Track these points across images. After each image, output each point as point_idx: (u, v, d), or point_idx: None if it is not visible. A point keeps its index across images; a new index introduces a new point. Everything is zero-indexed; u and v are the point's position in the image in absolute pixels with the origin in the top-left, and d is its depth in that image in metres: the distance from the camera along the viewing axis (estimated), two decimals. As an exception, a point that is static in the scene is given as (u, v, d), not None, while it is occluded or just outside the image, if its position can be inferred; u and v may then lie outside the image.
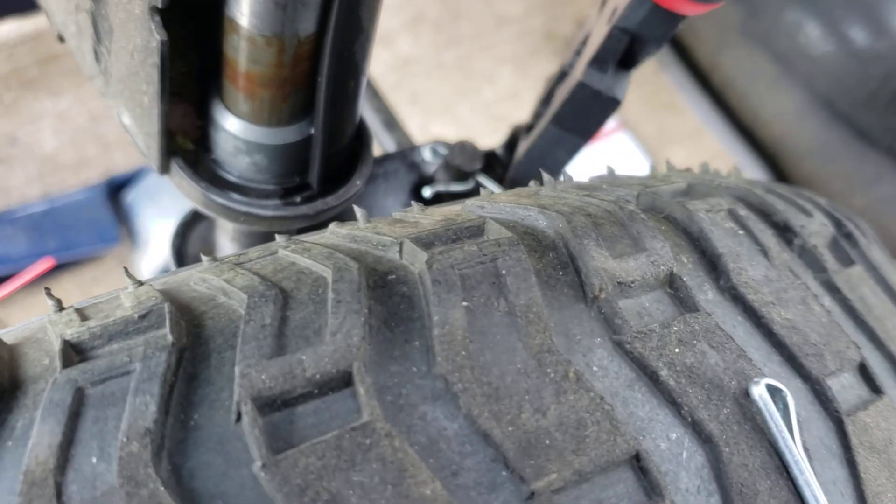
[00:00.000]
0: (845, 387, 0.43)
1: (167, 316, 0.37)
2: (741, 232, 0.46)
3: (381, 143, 1.00)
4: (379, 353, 0.36)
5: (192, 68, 0.60)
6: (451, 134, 1.76)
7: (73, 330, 0.38)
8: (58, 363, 0.37)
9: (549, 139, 0.68)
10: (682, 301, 0.42)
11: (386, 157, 0.84)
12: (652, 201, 0.47)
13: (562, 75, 0.75)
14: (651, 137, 1.76)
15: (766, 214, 0.49)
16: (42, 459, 0.33)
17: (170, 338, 0.36)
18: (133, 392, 0.34)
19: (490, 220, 0.43)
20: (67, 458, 0.33)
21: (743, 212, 0.48)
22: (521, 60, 1.91)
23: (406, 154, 0.82)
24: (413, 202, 0.47)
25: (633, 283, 0.40)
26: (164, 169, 0.58)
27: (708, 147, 1.71)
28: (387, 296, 0.39)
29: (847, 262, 0.50)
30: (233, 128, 0.56)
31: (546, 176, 0.50)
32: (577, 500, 0.35)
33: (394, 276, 0.40)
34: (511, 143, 0.82)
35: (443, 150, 0.83)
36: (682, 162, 1.56)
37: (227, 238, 0.72)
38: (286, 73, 0.53)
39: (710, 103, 1.26)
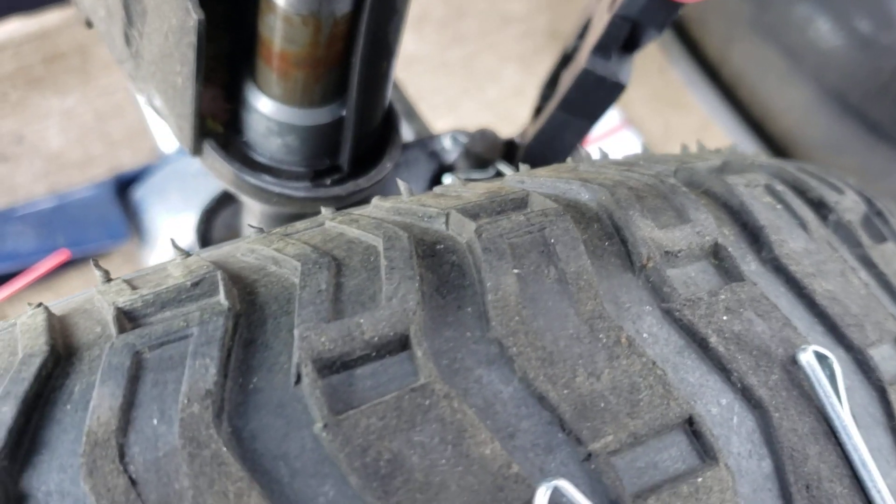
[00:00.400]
0: (885, 358, 0.44)
1: (220, 283, 0.37)
2: (779, 206, 0.47)
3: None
4: (433, 318, 0.36)
5: (221, 51, 0.60)
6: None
7: (125, 298, 0.38)
8: (111, 330, 0.37)
9: (556, 124, 0.69)
10: (727, 271, 0.42)
11: (406, 146, 0.84)
12: (690, 176, 0.48)
13: (565, 59, 0.75)
14: (656, 135, 1.77)
15: (800, 190, 0.50)
16: (104, 421, 0.33)
17: (225, 303, 0.36)
18: (192, 355, 0.34)
19: (533, 193, 0.43)
20: (128, 419, 0.33)
21: (780, 187, 0.48)
22: (525, 59, 1.92)
23: (426, 143, 0.82)
24: (454, 177, 0.47)
25: (679, 252, 0.41)
26: (197, 150, 0.58)
27: (714, 143, 1.71)
28: (437, 264, 0.39)
29: (880, 238, 0.51)
30: (265, 109, 0.57)
31: (583, 151, 0.50)
32: (632, 462, 0.35)
33: (442, 246, 0.40)
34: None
35: (463, 139, 0.83)
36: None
37: (253, 222, 0.72)
38: (321, 53, 0.53)
39: (720, 97, 1.26)
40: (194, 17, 0.50)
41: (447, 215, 0.41)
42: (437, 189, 0.47)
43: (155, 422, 0.33)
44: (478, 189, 0.45)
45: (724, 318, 0.39)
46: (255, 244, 0.41)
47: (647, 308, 0.39)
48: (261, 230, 0.43)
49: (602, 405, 0.35)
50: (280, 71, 0.54)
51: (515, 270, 0.38)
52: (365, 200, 0.63)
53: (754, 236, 0.44)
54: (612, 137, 1.77)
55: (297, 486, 0.32)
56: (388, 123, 0.63)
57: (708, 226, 0.42)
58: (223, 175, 0.58)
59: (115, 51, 0.64)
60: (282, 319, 0.36)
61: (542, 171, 0.47)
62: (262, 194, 0.58)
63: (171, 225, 1.47)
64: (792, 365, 0.40)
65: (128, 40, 0.61)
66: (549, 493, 0.32)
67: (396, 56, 0.58)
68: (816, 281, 0.43)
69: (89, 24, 0.68)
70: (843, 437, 0.38)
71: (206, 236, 0.78)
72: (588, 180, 0.44)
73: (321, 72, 0.55)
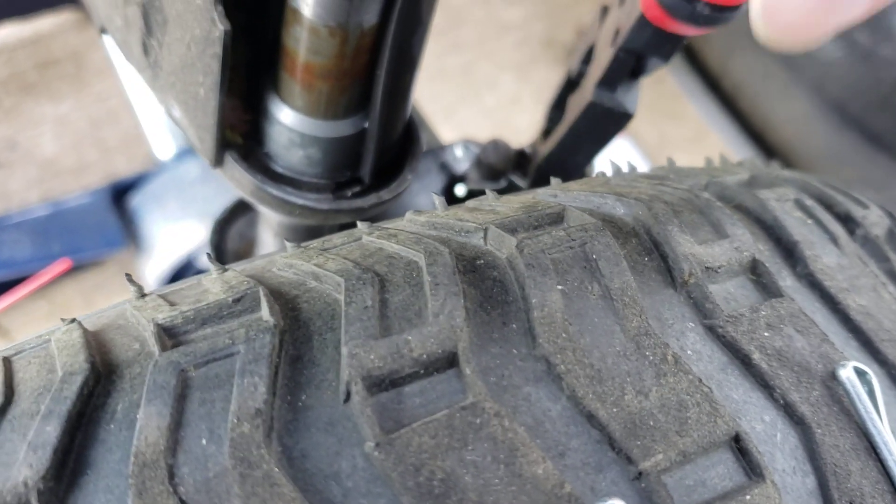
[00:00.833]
0: (919, 373, 0.44)
1: (263, 299, 0.37)
2: (810, 221, 0.47)
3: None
4: (478, 335, 0.36)
5: (240, 61, 0.59)
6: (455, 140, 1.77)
7: (164, 315, 0.37)
8: (151, 347, 0.36)
9: (567, 146, 0.69)
10: (765, 287, 0.42)
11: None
12: (721, 191, 0.48)
13: (570, 84, 0.75)
14: (651, 144, 1.78)
15: (828, 205, 0.50)
16: (152, 441, 0.32)
17: (270, 319, 0.36)
18: (240, 373, 0.34)
19: (569, 208, 0.43)
20: (177, 439, 0.33)
21: (809, 202, 0.48)
22: (522, 67, 1.92)
23: (437, 153, 0.82)
24: (487, 190, 0.47)
25: (719, 268, 0.41)
26: (218, 162, 0.57)
27: (709, 153, 1.72)
28: (478, 280, 0.39)
29: (906, 252, 0.51)
30: (288, 120, 0.56)
31: (614, 164, 0.50)
32: (681, 480, 0.35)
33: (482, 261, 0.40)
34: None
35: (474, 149, 0.83)
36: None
37: (269, 233, 0.72)
38: (347, 64, 0.53)
39: (720, 108, 1.27)
40: (220, 27, 0.50)
41: (485, 230, 0.41)
42: (469, 203, 0.46)
43: (204, 442, 0.32)
44: (512, 203, 0.44)
45: (766, 334, 0.39)
46: (293, 259, 0.41)
47: (689, 325, 0.39)
48: (297, 245, 0.43)
49: (651, 423, 0.35)
50: (304, 82, 0.54)
51: (559, 286, 0.38)
52: (384, 213, 0.63)
53: (788, 251, 0.44)
54: (608, 146, 1.77)
55: (350, 507, 0.32)
56: (409, 135, 0.62)
57: (745, 241, 0.42)
58: (244, 186, 0.58)
59: (131, 60, 0.63)
60: (327, 336, 0.36)
61: (574, 185, 0.47)
62: (283, 206, 0.58)
63: (168, 233, 1.46)
64: (831, 381, 0.40)
65: (146, 50, 0.60)
66: (604, 512, 0.32)
67: (419, 68, 0.58)
68: (850, 296, 0.44)
69: (103, 31, 0.67)
70: (885, 453, 0.38)
71: (219, 247, 0.77)
72: (622, 194, 0.44)
73: (346, 84, 0.54)
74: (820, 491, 0.37)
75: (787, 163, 1.25)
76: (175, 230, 1.44)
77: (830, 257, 0.45)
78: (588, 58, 0.70)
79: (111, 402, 0.35)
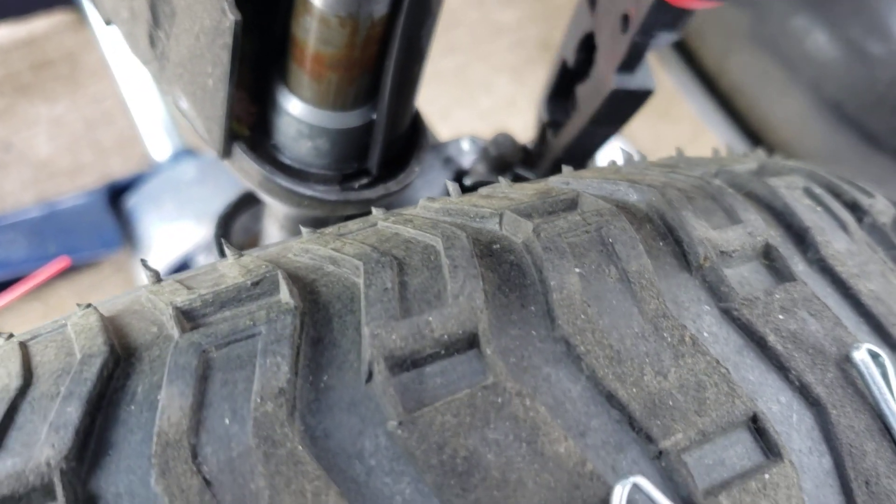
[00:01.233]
0: (929, 357, 0.44)
1: (282, 281, 0.37)
2: (819, 208, 0.47)
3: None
4: (497, 317, 0.36)
5: (247, 53, 0.59)
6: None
7: (183, 298, 0.37)
8: (169, 330, 0.36)
9: (587, 134, 0.70)
10: (779, 271, 0.42)
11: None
12: (732, 179, 0.48)
13: (567, 73, 0.75)
14: (646, 144, 1.78)
15: (836, 193, 0.50)
16: (174, 421, 0.32)
17: (291, 301, 0.36)
18: (262, 353, 0.34)
19: (584, 194, 0.43)
20: (199, 419, 0.33)
21: (817, 190, 0.49)
22: (517, 69, 1.93)
23: (440, 148, 0.82)
24: (500, 178, 0.47)
25: (733, 252, 0.41)
26: (227, 153, 0.57)
27: (705, 154, 1.73)
28: (496, 263, 0.39)
29: (912, 241, 0.51)
30: (296, 111, 0.56)
31: (625, 153, 0.50)
32: (700, 459, 0.35)
33: (498, 246, 0.40)
34: (542, 137, 0.83)
35: (479, 143, 0.83)
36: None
37: (275, 227, 0.72)
38: (356, 54, 0.53)
39: (717, 108, 1.28)
40: (231, 17, 0.50)
41: (501, 215, 0.41)
42: (482, 190, 0.47)
43: (227, 421, 0.32)
44: (526, 190, 0.45)
45: (780, 317, 0.40)
46: (309, 244, 0.41)
47: (705, 308, 0.39)
48: (313, 231, 0.43)
49: (670, 403, 0.35)
50: (314, 73, 0.54)
51: (577, 269, 0.38)
52: (391, 205, 0.63)
53: (800, 237, 0.45)
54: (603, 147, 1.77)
55: (374, 485, 0.32)
56: (415, 127, 0.63)
57: (758, 226, 0.43)
58: (252, 177, 0.58)
59: (137, 52, 0.63)
60: (347, 318, 0.36)
61: (586, 173, 0.48)
62: (291, 197, 0.58)
63: (164, 233, 1.45)
64: (845, 363, 0.40)
65: (152, 42, 0.60)
66: (627, 489, 0.32)
67: (426, 59, 0.58)
68: (861, 281, 0.44)
69: (108, 23, 0.67)
70: (899, 435, 0.39)
71: (224, 241, 0.77)
72: (635, 181, 0.45)
73: (355, 74, 0.54)
74: (836, 471, 0.37)
75: (784, 162, 1.25)
76: (171, 231, 1.44)
77: (840, 243, 0.45)
78: (584, 46, 0.70)
79: (131, 384, 0.35)
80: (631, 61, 0.61)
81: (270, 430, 0.32)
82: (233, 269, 0.39)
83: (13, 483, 0.32)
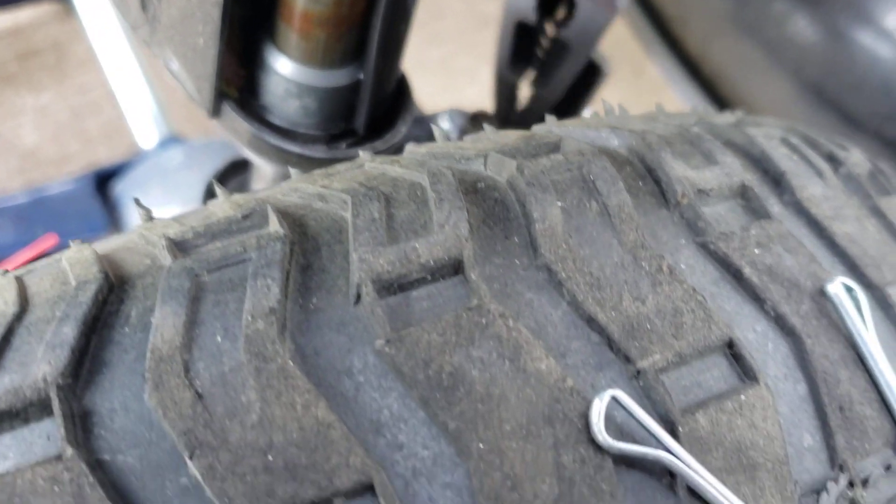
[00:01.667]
0: (902, 298, 0.45)
1: (271, 214, 0.38)
2: (795, 156, 0.48)
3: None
4: (482, 247, 0.37)
5: (237, 17, 0.60)
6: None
7: (175, 230, 0.38)
8: (163, 261, 0.37)
9: (571, 68, 0.73)
10: (755, 210, 0.43)
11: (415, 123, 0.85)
12: (710, 129, 0.49)
13: (525, 31, 0.79)
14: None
15: (813, 144, 0.52)
16: (168, 338, 0.33)
17: (281, 230, 0.37)
18: (252, 276, 0.35)
19: (566, 138, 0.44)
20: (192, 336, 0.33)
21: (794, 140, 0.50)
22: (503, 60, 1.94)
23: (423, 121, 0.83)
24: (485, 125, 0.48)
25: (710, 191, 0.42)
26: (216, 112, 0.58)
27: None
28: (480, 200, 0.40)
29: (886, 192, 0.53)
30: (285, 70, 0.57)
31: (606, 104, 0.51)
32: (677, 380, 0.36)
33: (483, 184, 0.41)
34: (509, 100, 0.86)
35: (459, 119, 0.84)
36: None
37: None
38: (344, 11, 0.54)
39: (701, 93, 1.30)
40: (221, -26, 0.51)
41: (486, 156, 0.42)
42: (466, 137, 0.48)
43: (219, 339, 0.33)
44: (510, 136, 0.46)
45: (756, 251, 0.41)
46: (298, 183, 0.42)
47: (682, 241, 0.41)
48: (301, 172, 0.44)
49: (648, 326, 0.36)
50: (302, 31, 0.55)
51: (559, 203, 0.39)
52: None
53: (776, 181, 0.46)
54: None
55: (362, 400, 0.33)
56: (401, 90, 0.64)
57: (735, 168, 0.44)
58: (241, 136, 0.59)
59: (128, 17, 0.64)
60: (335, 247, 0.37)
61: (569, 122, 0.49)
62: (280, 155, 0.59)
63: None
64: (820, 296, 0.41)
65: (144, 5, 0.61)
66: (606, 402, 0.33)
67: (413, 19, 0.59)
68: (836, 223, 0.45)
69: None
70: (871, 364, 0.40)
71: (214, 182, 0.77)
72: (617, 128, 0.46)
73: (342, 31, 0.55)
74: (811, 397, 0.39)
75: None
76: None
77: (816, 188, 0.46)
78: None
79: (125, 308, 0.36)
80: None
81: (261, 347, 0.33)
82: (224, 206, 0.40)
83: (11, 398, 0.32)
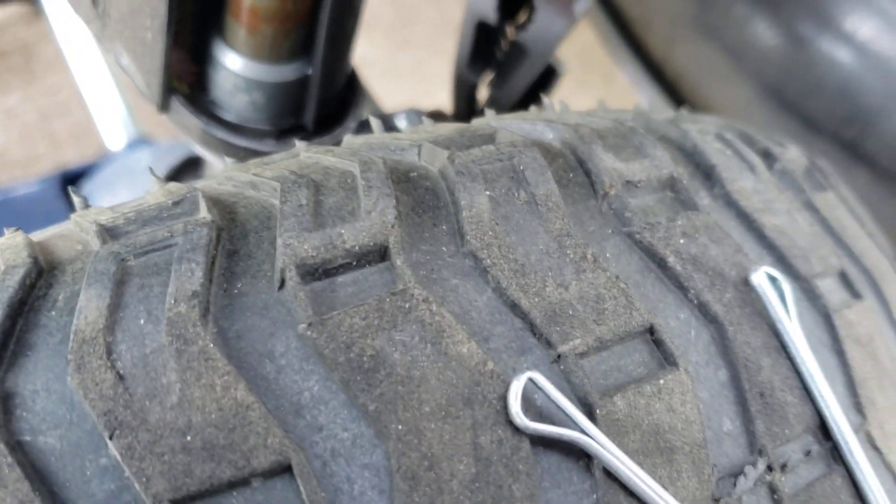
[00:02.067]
0: (830, 290, 0.46)
1: (201, 201, 0.38)
2: (728, 151, 0.49)
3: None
4: (410, 235, 0.38)
5: (187, 14, 0.61)
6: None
7: (107, 217, 0.39)
8: (93, 246, 0.38)
9: (528, 71, 0.73)
10: (683, 202, 0.44)
11: (361, 125, 0.85)
12: (647, 123, 0.50)
13: (485, 31, 0.80)
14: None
15: (748, 141, 0.53)
16: (91, 320, 0.33)
17: (208, 216, 0.37)
18: (177, 261, 0.35)
19: (501, 130, 0.45)
20: (115, 319, 0.34)
21: (729, 135, 0.51)
22: (474, 64, 1.95)
23: (382, 120, 0.84)
24: (424, 118, 0.49)
25: (639, 182, 0.43)
26: (165, 106, 0.58)
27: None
28: (411, 188, 0.40)
29: (821, 188, 0.54)
30: (233, 65, 0.58)
31: (546, 100, 0.52)
32: (598, 364, 0.37)
33: (415, 174, 0.42)
34: (469, 99, 0.87)
35: (415, 119, 0.85)
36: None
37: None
38: (290, 7, 0.55)
39: (664, 97, 1.31)
40: (166, -32, 0.51)
41: (419, 146, 0.43)
42: (405, 129, 0.48)
43: (142, 321, 0.34)
44: (447, 127, 0.46)
45: (681, 241, 0.42)
46: (232, 172, 0.42)
47: (609, 231, 0.41)
48: (237, 161, 0.44)
49: (570, 312, 0.37)
50: (249, 26, 0.56)
51: (488, 192, 0.40)
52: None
53: (707, 174, 0.47)
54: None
55: (283, 382, 0.33)
56: (351, 86, 0.64)
57: (664, 161, 0.45)
58: (191, 130, 0.59)
59: (80, 12, 0.64)
60: (263, 234, 0.38)
61: (507, 116, 0.50)
62: (228, 150, 0.59)
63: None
64: (744, 286, 0.42)
65: (94, 1, 0.61)
66: (523, 383, 0.34)
67: (361, 15, 0.59)
68: (765, 216, 0.46)
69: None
70: (793, 351, 0.41)
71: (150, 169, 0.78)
72: (552, 122, 0.47)
73: (289, 27, 0.56)
74: (732, 383, 0.39)
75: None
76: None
77: (747, 181, 0.47)
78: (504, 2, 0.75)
79: (52, 293, 0.36)
80: None
81: (183, 329, 0.33)
82: (157, 194, 0.41)
83: (-69, 380, 0.33)
